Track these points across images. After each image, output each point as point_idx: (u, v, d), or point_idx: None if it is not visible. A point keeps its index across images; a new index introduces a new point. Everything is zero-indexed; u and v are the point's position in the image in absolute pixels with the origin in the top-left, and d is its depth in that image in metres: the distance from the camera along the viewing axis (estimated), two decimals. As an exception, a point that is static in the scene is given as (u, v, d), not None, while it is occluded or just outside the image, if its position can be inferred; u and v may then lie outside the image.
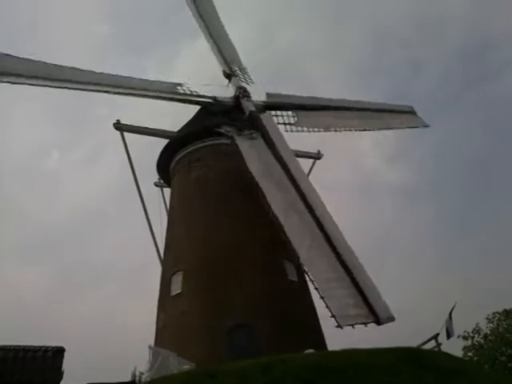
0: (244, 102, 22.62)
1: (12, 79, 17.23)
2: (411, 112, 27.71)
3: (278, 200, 17.30)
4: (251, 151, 19.35)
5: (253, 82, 24.66)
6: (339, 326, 13.88)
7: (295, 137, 23.69)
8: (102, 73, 20.51)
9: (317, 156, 26.98)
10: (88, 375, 12.30)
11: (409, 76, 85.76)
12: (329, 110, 25.08)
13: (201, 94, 22.95)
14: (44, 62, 19.02)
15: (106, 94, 19.89)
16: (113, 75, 20.70)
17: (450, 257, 62.70)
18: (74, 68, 19.73)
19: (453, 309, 18.32)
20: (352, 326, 14.06)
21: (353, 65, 77.31)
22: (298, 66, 71.52)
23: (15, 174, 69.40)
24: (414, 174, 77.36)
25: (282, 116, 23.65)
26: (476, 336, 30.58)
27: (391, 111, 27.00)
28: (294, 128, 23.51)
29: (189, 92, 22.65)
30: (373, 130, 25.76)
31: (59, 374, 10.38)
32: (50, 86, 18.45)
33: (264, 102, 23.65)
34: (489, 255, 60.16)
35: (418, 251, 63.41)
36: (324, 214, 17.31)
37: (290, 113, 23.86)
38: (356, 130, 25.14)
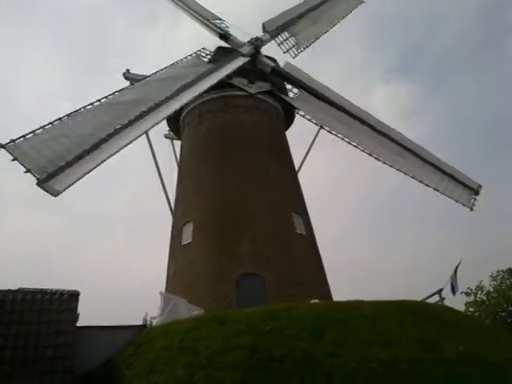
0: (263, 58, 22.27)
1: None
2: (473, 190, 21.52)
3: None
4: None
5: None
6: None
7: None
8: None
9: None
10: (101, 319, 12.82)
11: (426, 33, 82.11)
12: (358, 121, 21.57)
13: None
14: None
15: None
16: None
17: (457, 216, 62.74)
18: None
19: (458, 265, 18.55)
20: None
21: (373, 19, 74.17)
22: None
23: (25, 123, 69.50)
24: (427, 133, 75.98)
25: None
26: (479, 292, 31.11)
27: (452, 177, 21.31)
28: (296, 111, 23.19)
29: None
30: (422, 183, 20.47)
31: (75, 315, 10.84)
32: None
33: (273, 67, 22.73)
34: (497, 214, 60.11)
35: (426, 212, 63.50)
36: None
37: (295, 90, 22.97)
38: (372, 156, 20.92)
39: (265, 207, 19.02)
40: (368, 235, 62.52)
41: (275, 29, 23.49)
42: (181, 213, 20.86)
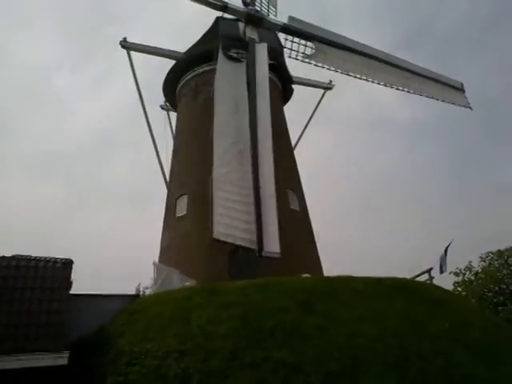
0: (248, 29, 21.55)
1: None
2: (459, 89, 25.40)
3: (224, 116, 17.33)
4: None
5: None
6: (216, 239, 14.76)
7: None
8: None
9: (328, 86, 26.21)
10: (95, 288, 12.94)
11: (432, 12, 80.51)
12: (359, 54, 23.08)
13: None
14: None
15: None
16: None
17: (450, 198, 63.34)
18: None
19: (449, 246, 18.85)
20: (226, 242, 15.03)
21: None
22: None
23: (22, 92, 68.42)
24: (426, 111, 75.61)
25: (299, 44, 22.36)
26: (467, 273, 31.71)
27: (437, 81, 24.79)
28: (307, 60, 22.39)
29: None
30: (410, 91, 23.89)
31: (68, 283, 10.92)
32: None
33: (284, 24, 22.26)
34: (489, 197, 60.74)
35: (419, 190, 63.93)
36: (264, 150, 17.01)
37: (309, 43, 22.43)
38: (386, 86, 23.52)
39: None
40: (362, 212, 63.04)
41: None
42: (176, 185, 20.84)
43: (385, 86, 23.45)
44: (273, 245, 15.29)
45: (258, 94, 18.20)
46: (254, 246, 14.93)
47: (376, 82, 23.18)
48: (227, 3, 21.64)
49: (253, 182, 16.03)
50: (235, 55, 19.67)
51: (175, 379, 8.81)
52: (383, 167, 67.95)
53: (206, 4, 21.41)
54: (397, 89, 23.66)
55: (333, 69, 22.73)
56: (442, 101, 24.60)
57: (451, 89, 25.15)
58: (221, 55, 19.47)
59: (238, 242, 15.00)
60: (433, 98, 24.48)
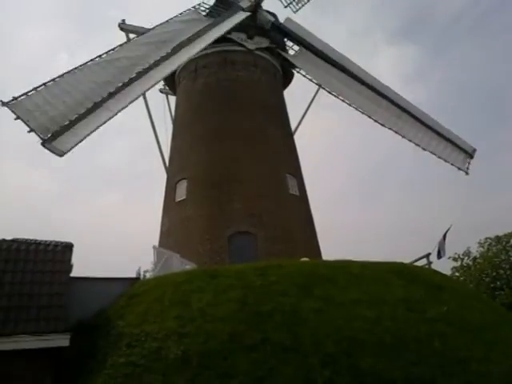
0: (263, 12, 21.48)
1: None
2: (468, 154, 22.17)
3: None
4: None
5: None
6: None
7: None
8: None
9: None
10: (95, 272, 13.04)
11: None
12: (358, 81, 21.46)
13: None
14: None
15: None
16: None
17: (450, 184, 63.28)
18: None
19: (448, 230, 18.86)
20: None
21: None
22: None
23: (21, 74, 67.78)
24: (429, 97, 75.04)
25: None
26: (465, 258, 31.86)
27: (448, 140, 21.73)
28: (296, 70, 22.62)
29: None
30: (419, 146, 20.90)
31: (69, 266, 10.98)
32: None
33: (273, 22, 22.06)
34: (488, 185, 60.81)
35: (419, 176, 63.91)
36: None
37: (295, 47, 22.53)
38: (371, 118, 20.86)
39: (259, 167, 19.01)
40: (362, 197, 63.13)
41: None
42: (175, 169, 20.81)
43: (369, 117, 20.81)
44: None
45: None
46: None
47: (360, 110, 21.04)
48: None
49: None
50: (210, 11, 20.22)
51: (175, 361, 8.92)
52: (383, 152, 67.83)
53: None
54: (389, 128, 20.75)
55: (314, 81, 22.60)
56: (446, 160, 21.35)
57: (459, 151, 21.99)
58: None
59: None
60: (434, 154, 21.05)
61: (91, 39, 75.22)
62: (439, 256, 18.46)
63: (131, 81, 15.75)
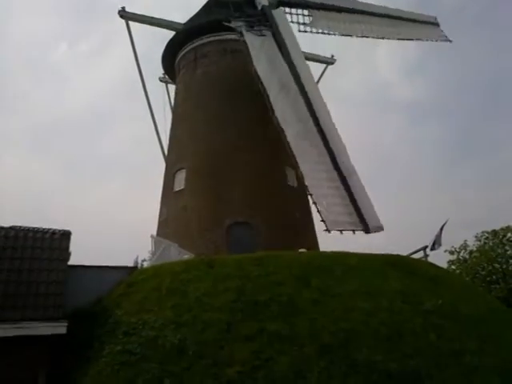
0: None
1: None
2: (434, 23, 25.53)
3: (281, 104, 16.92)
4: (260, 49, 18.38)
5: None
6: (327, 230, 14.44)
7: (309, 38, 22.37)
8: None
9: (330, 61, 25.76)
10: (92, 261, 13.03)
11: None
12: (349, 12, 23.12)
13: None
14: None
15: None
16: None
17: (448, 179, 63.42)
18: None
19: (444, 224, 18.90)
20: (340, 231, 14.66)
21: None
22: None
23: (21, 66, 67.19)
24: (429, 91, 74.78)
25: (297, 15, 21.91)
26: (462, 252, 32.00)
27: (414, 20, 24.83)
28: (307, 28, 21.95)
29: None
30: (392, 38, 24.00)
31: (66, 254, 10.99)
32: None
33: None
34: (485, 180, 60.90)
35: (417, 170, 63.89)
36: (327, 122, 17.01)
37: (305, 11, 22.15)
38: (374, 38, 23.38)
39: (259, 157, 18.95)
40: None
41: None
42: (174, 159, 20.75)
43: (370, 37, 23.23)
44: (375, 219, 15.14)
45: (299, 69, 17.99)
46: (360, 228, 14.73)
47: (365, 35, 23.01)
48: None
49: (331, 162, 16.01)
50: (258, 32, 19.09)
51: (172, 349, 8.98)
52: (383, 144, 67.71)
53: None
54: (382, 38, 23.56)
55: (333, 33, 22.53)
56: (423, 39, 24.80)
57: (428, 25, 25.18)
58: (246, 33, 18.73)
59: (348, 228, 14.71)
60: (411, 39, 24.65)
61: (91, 27, 74.45)
62: (433, 248, 18.47)
63: None
